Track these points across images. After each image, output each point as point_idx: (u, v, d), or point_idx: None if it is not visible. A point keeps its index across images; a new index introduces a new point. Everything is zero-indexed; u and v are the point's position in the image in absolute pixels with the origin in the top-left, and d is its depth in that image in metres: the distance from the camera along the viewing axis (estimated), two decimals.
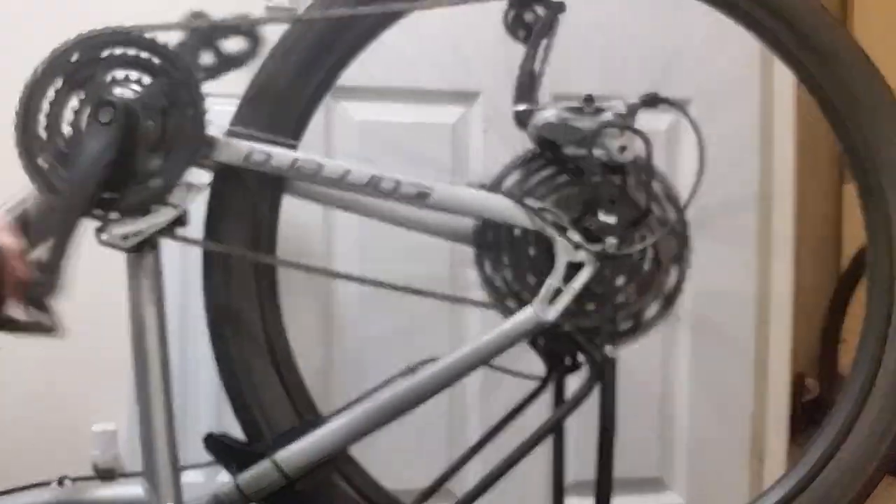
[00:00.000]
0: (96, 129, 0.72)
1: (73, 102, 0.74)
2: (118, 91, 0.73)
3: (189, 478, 0.81)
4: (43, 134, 0.73)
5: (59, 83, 0.73)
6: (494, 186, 0.81)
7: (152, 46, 0.75)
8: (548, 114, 0.80)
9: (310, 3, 0.82)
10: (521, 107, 0.83)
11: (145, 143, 0.74)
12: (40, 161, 0.73)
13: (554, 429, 0.83)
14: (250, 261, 0.80)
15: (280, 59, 0.80)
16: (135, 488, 0.79)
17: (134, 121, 0.73)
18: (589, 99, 0.80)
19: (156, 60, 0.75)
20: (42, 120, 0.73)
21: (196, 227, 0.80)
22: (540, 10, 0.83)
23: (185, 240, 0.78)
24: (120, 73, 0.75)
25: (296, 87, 0.80)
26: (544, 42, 0.83)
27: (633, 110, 0.80)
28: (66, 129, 0.74)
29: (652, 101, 0.80)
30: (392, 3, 0.81)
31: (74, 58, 0.73)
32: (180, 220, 0.76)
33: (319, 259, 1.37)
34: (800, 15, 0.85)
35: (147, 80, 0.75)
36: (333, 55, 0.81)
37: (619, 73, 1.24)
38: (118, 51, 0.74)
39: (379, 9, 0.81)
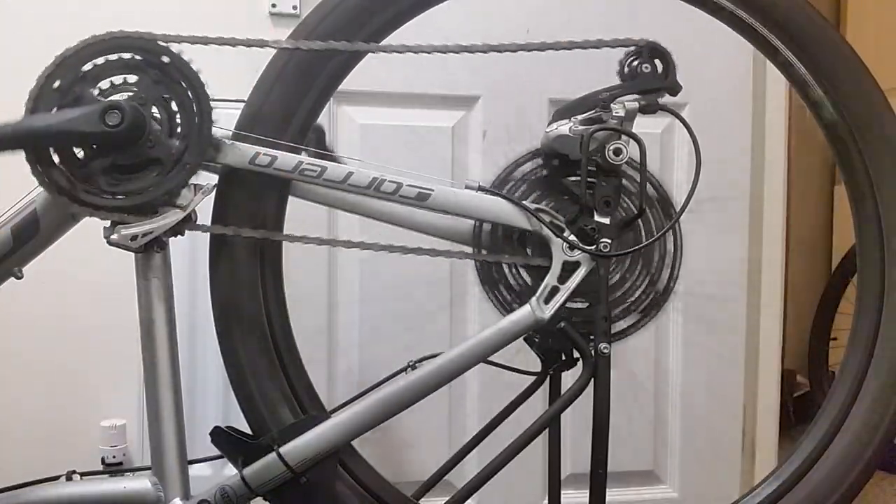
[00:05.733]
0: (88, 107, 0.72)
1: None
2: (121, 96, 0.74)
3: (196, 471, 0.82)
4: None
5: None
6: (493, 188, 0.82)
7: (159, 52, 0.75)
8: (563, 127, 0.81)
9: (314, 6, 0.81)
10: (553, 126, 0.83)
11: (152, 144, 0.74)
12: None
13: (550, 423, 0.83)
14: (256, 260, 0.81)
15: (273, 79, 0.80)
16: (143, 482, 0.79)
17: (141, 122, 0.73)
18: (605, 107, 0.80)
19: (163, 63, 0.75)
20: None
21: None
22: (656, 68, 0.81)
23: (192, 227, 0.79)
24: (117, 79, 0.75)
25: (289, 107, 0.80)
26: (634, 95, 0.82)
27: (630, 114, 0.80)
28: None
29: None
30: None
31: (56, 84, 0.73)
32: (188, 221, 0.77)
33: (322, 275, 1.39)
34: (790, 18, 0.85)
35: (147, 82, 0.75)
36: (327, 72, 0.81)
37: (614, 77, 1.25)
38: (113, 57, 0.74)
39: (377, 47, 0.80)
